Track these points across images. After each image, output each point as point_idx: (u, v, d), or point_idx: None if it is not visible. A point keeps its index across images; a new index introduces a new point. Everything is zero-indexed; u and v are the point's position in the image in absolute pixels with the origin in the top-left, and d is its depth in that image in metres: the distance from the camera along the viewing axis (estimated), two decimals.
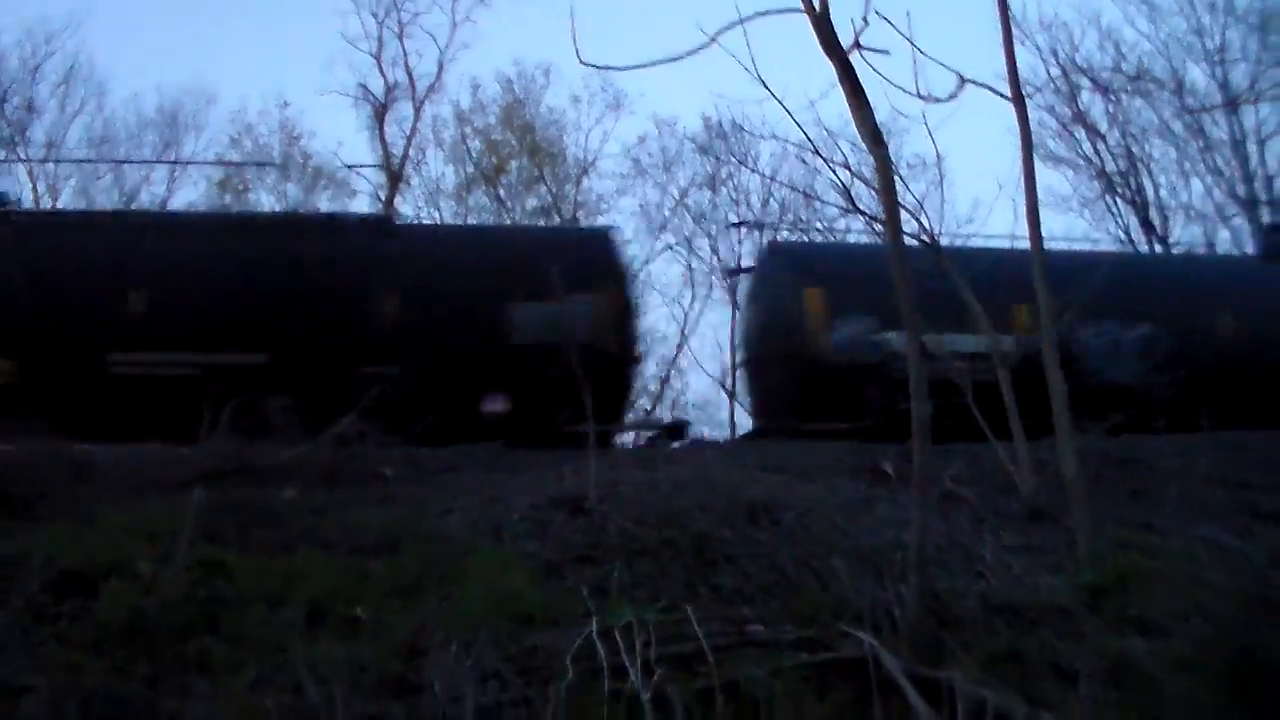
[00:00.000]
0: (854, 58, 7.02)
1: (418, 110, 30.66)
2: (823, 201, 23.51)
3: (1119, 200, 28.25)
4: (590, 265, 13.93)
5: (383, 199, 27.99)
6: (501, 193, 30.03)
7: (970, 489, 9.76)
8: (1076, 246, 21.79)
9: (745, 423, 19.88)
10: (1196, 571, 7.67)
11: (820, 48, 7.02)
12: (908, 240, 8.51)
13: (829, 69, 7.06)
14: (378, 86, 30.76)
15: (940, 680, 6.08)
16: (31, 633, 6.40)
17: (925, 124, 9.08)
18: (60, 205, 28.53)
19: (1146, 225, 27.49)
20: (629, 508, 8.41)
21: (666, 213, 28.99)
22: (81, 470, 9.28)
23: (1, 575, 6.87)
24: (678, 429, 16.47)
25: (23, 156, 28.48)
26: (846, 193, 10.76)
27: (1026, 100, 8.99)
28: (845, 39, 6.99)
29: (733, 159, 27.30)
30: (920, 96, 7.96)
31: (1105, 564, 7.73)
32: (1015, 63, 9.01)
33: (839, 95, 7.15)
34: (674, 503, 8.58)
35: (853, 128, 7.81)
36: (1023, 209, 8.87)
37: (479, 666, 6.01)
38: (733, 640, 6.48)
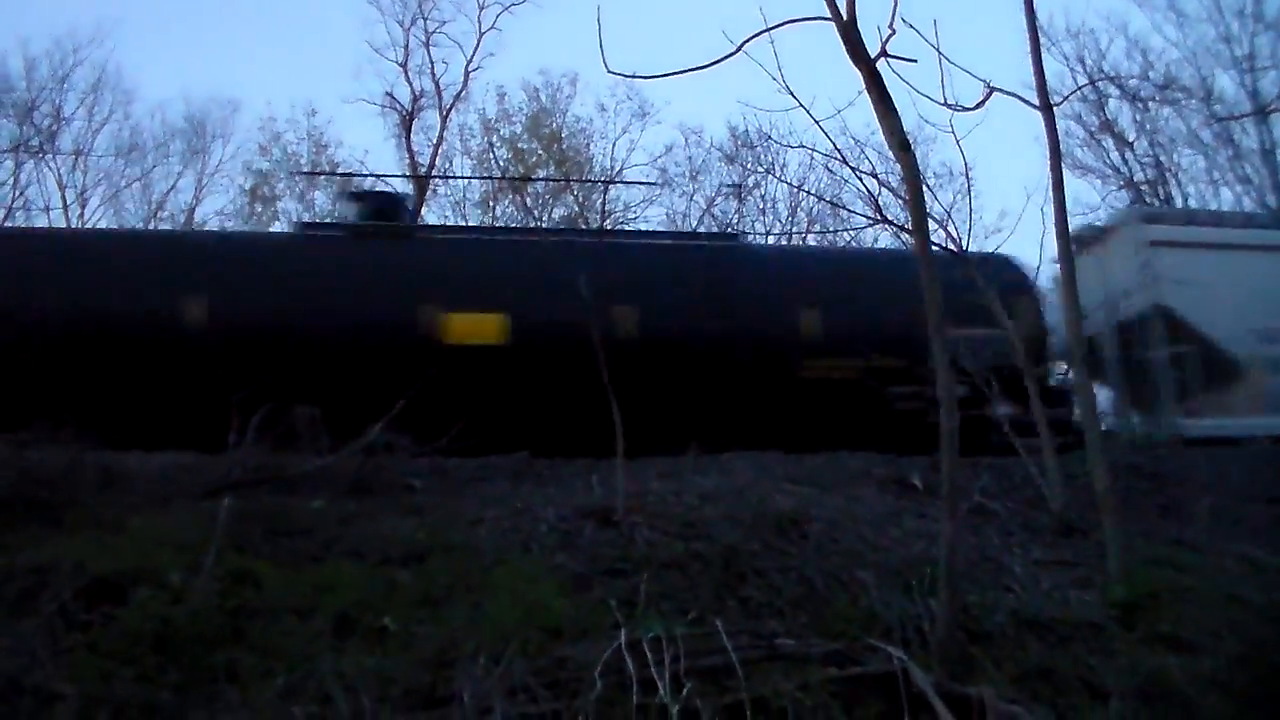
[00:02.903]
0: (881, 66, 6.98)
1: (444, 119, 30.76)
2: (850, 211, 23.51)
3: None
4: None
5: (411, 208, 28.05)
6: (528, 201, 30.06)
7: (999, 502, 9.71)
8: None
9: None
10: (1229, 588, 7.62)
11: (847, 56, 6.99)
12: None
13: (856, 77, 7.03)
14: (404, 95, 30.87)
15: (971, 696, 6.04)
16: (62, 640, 6.41)
17: (953, 132, 9.05)
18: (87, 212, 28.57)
19: None
20: (656, 519, 8.37)
21: (693, 222, 29.06)
22: (110, 478, 9.31)
23: (33, 582, 6.89)
24: None
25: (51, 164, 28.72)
26: (874, 201, 10.72)
27: (1054, 109, 8.94)
28: (872, 47, 6.95)
29: (759, 168, 27.34)
30: (947, 105, 7.96)
31: (1136, 580, 7.67)
32: (1043, 72, 8.98)
33: (866, 103, 7.14)
34: (701, 514, 8.54)
35: (879, 136, 7.76)
36: (1050, 218, 8.85)
37: (508, 678, 5.98)
38: (761, 654, 6.44)
